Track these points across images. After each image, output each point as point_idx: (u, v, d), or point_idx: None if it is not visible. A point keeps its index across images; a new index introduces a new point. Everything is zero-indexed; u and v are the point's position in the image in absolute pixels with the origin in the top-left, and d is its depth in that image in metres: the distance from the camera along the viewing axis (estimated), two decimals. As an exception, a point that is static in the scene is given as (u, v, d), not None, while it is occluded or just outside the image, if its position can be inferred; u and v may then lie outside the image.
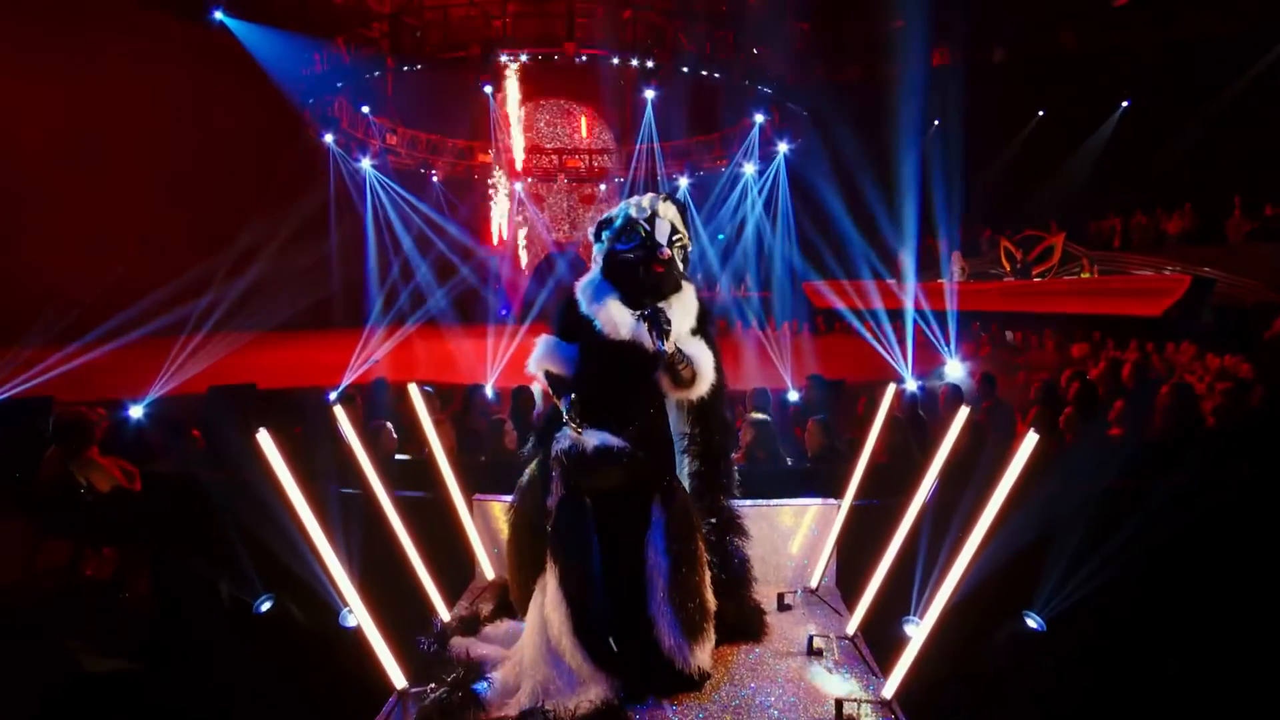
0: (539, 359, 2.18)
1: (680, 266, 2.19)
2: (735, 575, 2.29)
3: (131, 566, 2.86)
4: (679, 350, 2.04)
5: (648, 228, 2.13)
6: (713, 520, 2.24)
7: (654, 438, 2.12)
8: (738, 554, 2.29)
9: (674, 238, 2.15)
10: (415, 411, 2.69)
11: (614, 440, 2.03)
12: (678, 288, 2.16)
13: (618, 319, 2.04)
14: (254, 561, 2.64)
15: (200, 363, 9.24)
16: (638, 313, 2.04)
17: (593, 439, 2.02)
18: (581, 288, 2.18)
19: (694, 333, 2.16)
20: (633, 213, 2.18)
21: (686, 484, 2.22)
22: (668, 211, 2.18)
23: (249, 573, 2.64)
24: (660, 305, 2.07)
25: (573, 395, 2.08)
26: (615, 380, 2.07)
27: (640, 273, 2.09)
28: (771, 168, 15.78)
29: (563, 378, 2.15)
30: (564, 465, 2.06)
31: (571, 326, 2.17)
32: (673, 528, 2.03)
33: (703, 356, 2.10)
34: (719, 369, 2.18)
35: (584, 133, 18.33)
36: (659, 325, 1.97)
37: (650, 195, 2.22)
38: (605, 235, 2.22)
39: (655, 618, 2.00)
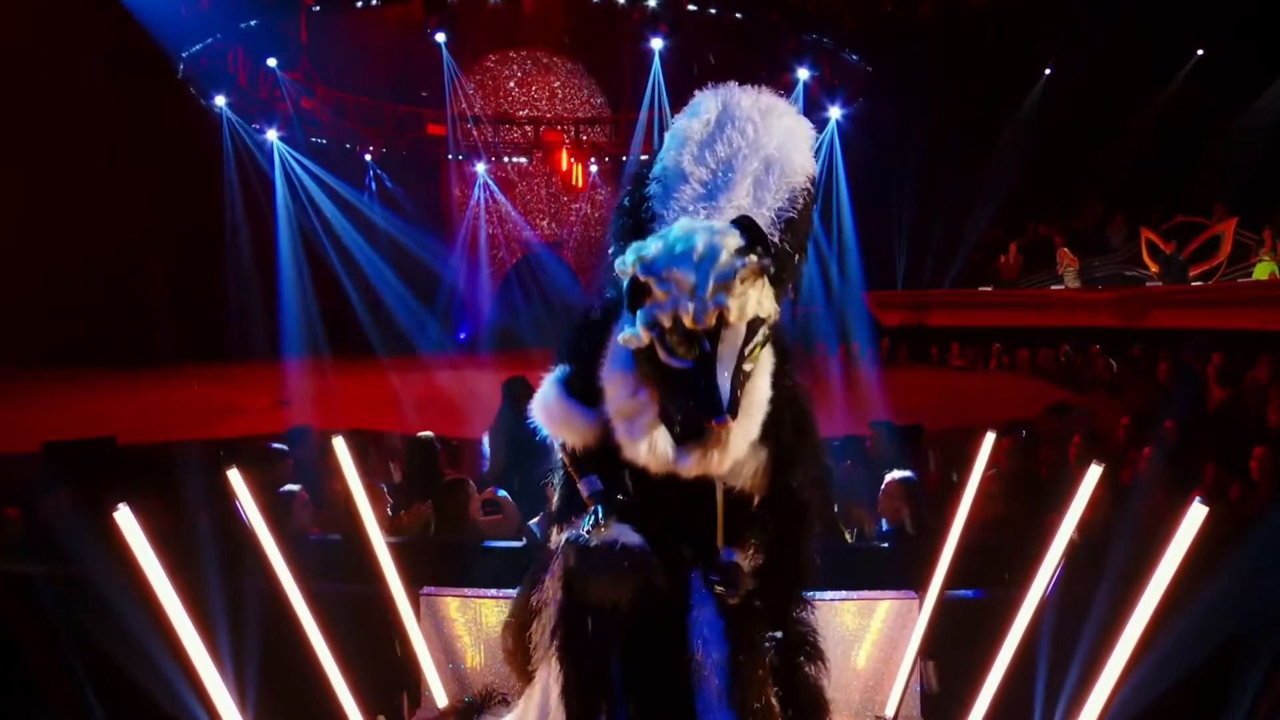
0: (554, 422, 2.13)
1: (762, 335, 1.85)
2: (803, 712, 2.20)
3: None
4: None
5: (706, 345, 1.73)
6: (779, 635, 2.18)
7: (704, 518, 2.10)
8: (808, 685, 2.22)
9: (754, 337, 1.81)
10: (342, 474, 2.68)
11: (629, 536, 2.00)
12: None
13: (661, 453, 1.94)
14: (101, 692, 2.60)
15: (34, 408, 9.22)
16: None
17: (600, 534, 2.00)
18: (615, 360, 2.01)
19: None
20: (677, 292, 1.71)
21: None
22: (745, 290, 1.72)
23: (92, 707, 2.58)
24: None
25: (601, 487, 2.06)
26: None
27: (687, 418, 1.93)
28: (821, 139, 15.92)
29: (586, 456, 2.11)
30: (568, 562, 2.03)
31: (592, 387, 2.07)
32: (728, 606, 2.02)
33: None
34: (815, 446, 2.20)
35: (567, 96, 18.61)
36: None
37: (706, 238, 1.73)
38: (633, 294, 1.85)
39: None
